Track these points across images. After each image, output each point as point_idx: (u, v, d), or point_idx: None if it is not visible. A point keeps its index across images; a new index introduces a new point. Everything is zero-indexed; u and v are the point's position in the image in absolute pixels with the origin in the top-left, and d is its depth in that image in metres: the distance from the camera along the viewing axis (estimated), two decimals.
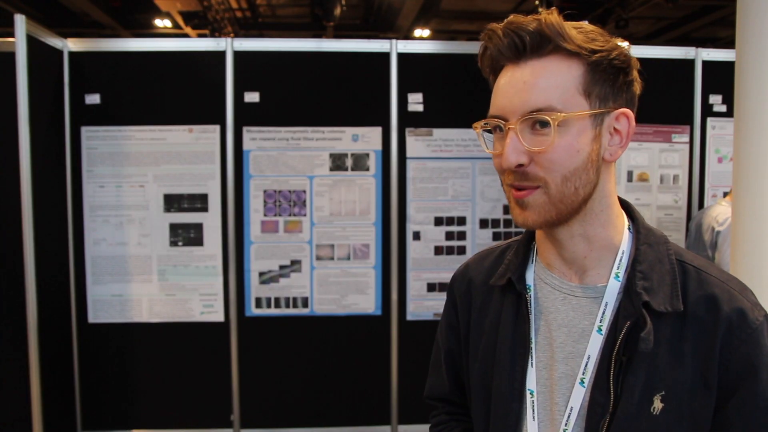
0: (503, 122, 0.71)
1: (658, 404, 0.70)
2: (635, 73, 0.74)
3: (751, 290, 0.75)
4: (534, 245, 0.84)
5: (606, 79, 0.71)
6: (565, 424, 0.74)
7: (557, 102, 0.69)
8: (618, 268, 0.75)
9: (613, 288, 0.75)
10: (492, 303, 0.85)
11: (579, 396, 0.74)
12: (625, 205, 0.80)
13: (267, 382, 2.80)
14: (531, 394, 0.78)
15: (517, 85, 0.71)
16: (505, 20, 0.72)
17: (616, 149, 0.74)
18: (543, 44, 0.70)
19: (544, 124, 0.69)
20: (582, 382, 0.74)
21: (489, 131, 0.75)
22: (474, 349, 0.86)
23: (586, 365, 0.74)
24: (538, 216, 0.72)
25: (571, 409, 0.74)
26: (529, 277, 0.82)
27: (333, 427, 2.84)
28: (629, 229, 0.78)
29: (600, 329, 0.74)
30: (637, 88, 0.75)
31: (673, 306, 0.71)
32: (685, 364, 0.71)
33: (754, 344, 0.70)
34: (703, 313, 0.71)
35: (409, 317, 2.78)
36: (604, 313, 0.74)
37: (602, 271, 0.76)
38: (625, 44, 0.73)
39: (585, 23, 0.73)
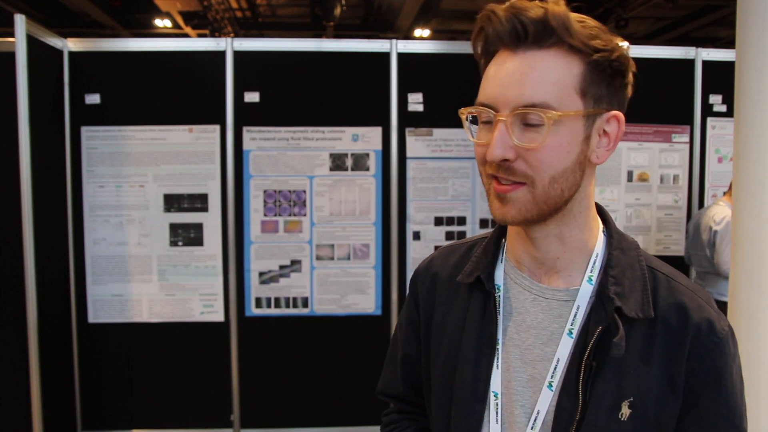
0: (493, 113, 0.67)
1: (625, 410, 0.69)
2: (631, 76, 0.71)
3: (713, 301, 0.76)
4: (503, 242, 0.81)
5: (603, 79, 0.68)
6: (531, 428, 0.72)
7: (553, 99, 0.65)
8: (591, 272, 0.74)
9: (586, 291, 0.73)
10: (457, 301, 0.82)
11: (546, 400, 0.72)
12: (599, 209, 0.79)
13: (267, 382, 2.80)
14: (495, 396, 0.75)
15: (513, 76, 0.66)
16: (508, 2, 0.67)
17: (603, 152, 0.71)
18: (546, 35, 0.66)
19: (536, 120, 0.65)
20: (550, 385, 0.72)
21: (474, 120, 0.71)
22: (435, 348, 0.83)
23: (555, 368, 0.72)
24: (519, 213, 0.69)
25: (538, 413, 0.72)
26: (499, 276, 0.79)
27: (333, 426, 2.84)
28: (603, 232, 0.77)
29: (571, 332, 0.72)
30: (630, 90, 0.73)
31: (644, 312, 0.70)
32: (653, 370, 0.70)
33: (720, 354, 0.70)
34: (673, 320, 0.71)
35: None
36: (575, 316, 0.72)
37: (574, 273, 0.74)
38: (624, 44, 0.71)
39: (587, 18, 0.69)
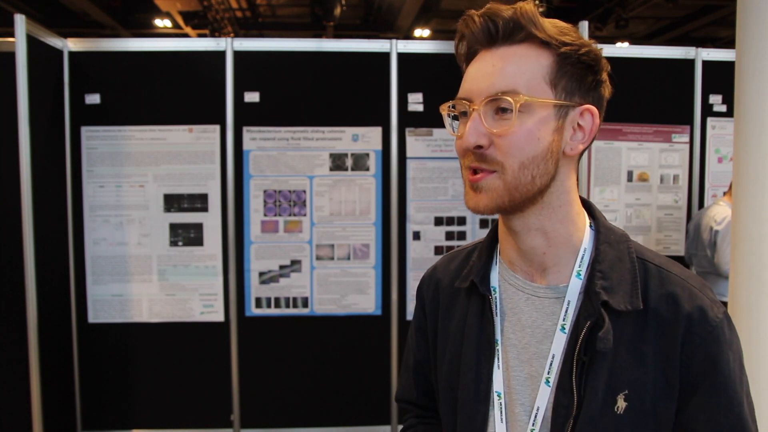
0: (468, 103, 0.72)
1: (621, 403, 0.70)
2: (605, 76, 0.75)
3: (710, 287, 0.75)
4: (497, 246, 0.83)
5: (574, 73, 0.71)
6: (532, 425, 0.74)
7: (522, 87, 0.69)
8: (580, 266, 0.75)
9: (575, 286, 0.74)
10: (458, 306, 0.85)
11: (545, 396, 0.73)
12: (587, 205, 0.80)
13: (267, 382, 2.80)
14: (498, 396, 0.77)
15: (486, 69, 0.71)
16: (484, 7, 0.73)
17: (577, 144, 0.73)
18: (516, 31, 0.71)
19: (508, 109, 0.69)
20: (547, 381, 0.73)
21: (456, 117, 0.76)
22: (441, 352, 0.86)
23: (551, 364, 0.73)
24: (490, 201, 0.71)
25: (538, 409, 0.74)
26: (494, 278, 0.81)
27: (333, 427, 2.84)
28: (591, 227, 0.78)
29: (563, 328, 0.74)
30: (606, 91, 0.76)
31: (633, 304, 0.71)
32: (647, 362, 0.70)
33: (714, 342, 0.70)
34: (663, 311, 0.71)
35: (409, 317, 2.77)
36: (566, 311, 0.74)
37: (563, 269, 0.76)
38: (598, 46, 0.74)
39: (560, 21, 0.74)
